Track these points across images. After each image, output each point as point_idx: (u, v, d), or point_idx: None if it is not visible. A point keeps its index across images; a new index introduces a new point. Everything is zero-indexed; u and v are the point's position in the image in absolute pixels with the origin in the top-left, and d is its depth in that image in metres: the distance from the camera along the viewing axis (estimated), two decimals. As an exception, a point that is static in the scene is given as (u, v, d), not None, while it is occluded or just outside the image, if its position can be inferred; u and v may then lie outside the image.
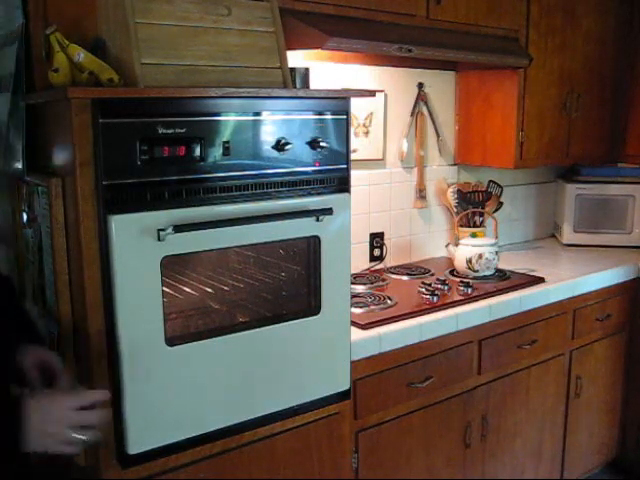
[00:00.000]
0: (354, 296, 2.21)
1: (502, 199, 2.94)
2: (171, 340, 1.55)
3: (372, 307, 2.18)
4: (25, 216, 1.77)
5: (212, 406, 1.63)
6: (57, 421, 1.08)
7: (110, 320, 1.46)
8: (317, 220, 1.72)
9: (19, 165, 1.74)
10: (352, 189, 1.82)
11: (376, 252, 2.72)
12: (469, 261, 2.57)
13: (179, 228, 1.47)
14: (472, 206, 2.82)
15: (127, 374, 1.48)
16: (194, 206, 1.53)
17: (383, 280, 2.53)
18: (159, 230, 1.46)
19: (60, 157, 1.53)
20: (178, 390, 1.56)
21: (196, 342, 1.60)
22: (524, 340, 2.46)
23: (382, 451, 2.09)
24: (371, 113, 2.61)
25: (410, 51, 2.13)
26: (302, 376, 1.78)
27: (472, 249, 2.59)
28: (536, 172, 3.32)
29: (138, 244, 1.45)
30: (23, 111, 1.70)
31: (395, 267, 2.72)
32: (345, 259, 1.82)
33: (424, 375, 2.14)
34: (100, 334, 1.47)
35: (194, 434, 1.61)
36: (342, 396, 1.88)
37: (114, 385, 1.49)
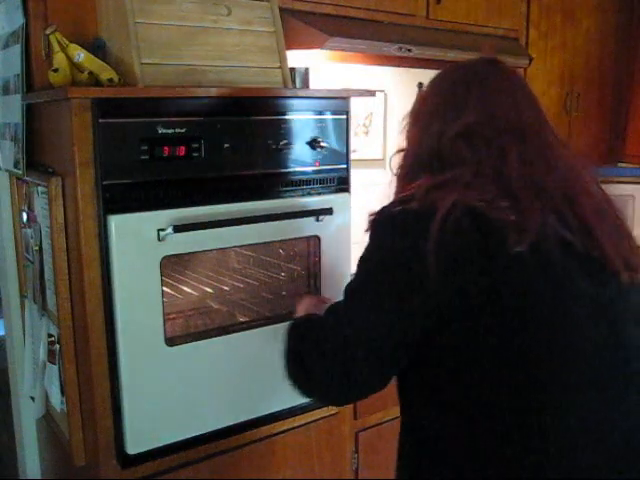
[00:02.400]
0: (354, 296, 2.21)
1: (502, 199, 2.93)
2: (171, 340, 1.55)
3: (372, 307, 2.17)
4: (25, 216, 1.77)
5: (212, 406, 1.63)
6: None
7: (110, 320, 1.46)
8: (317, 220, 1.72)
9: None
10: (352, 189, 1.82)
11: (376, 252, 2.71)
12: (469, 261, 2.56)
13: (179, 228, 1.47)
14: (472, 206, 2.81)
15: (127, 374, 1.48)
16: (194, 206, 1.53)
17: (383, 280, 2.52)
18: (159, 230, 1.46)
19: (60, 157, 1.53)
20: (178, 390, 1.56)
21: (196, 342, 1.60)
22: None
23: (382, 451, 2.09)
24: (371, 113, 2.61)
25: (410, 51, 2.13)
26: (302, 376, 1.78)
27: (472, 249, 2.58)
28: (536, 172, 3.31)
29: (138, 244, 1.45)
30: (23, 111, 1.70)
31: (395, 267, 2.72)
32: (345, 259, 1.82)
33: (424, 375, 2.14)
34: (100, 334, 1.47)
35: (194, 434, 1.61)
36: (342, 396, 1.88)
37: (114, 385, 1.49)
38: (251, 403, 1.70)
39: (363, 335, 1.01)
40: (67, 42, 1.52)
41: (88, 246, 1.44)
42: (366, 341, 1.00)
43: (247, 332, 1.67)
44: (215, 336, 1.63)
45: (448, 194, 0.99)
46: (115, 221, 1.42)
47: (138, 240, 1.45)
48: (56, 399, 1.69)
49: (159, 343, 1.52)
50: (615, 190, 3.39)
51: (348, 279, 1.84)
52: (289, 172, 1.69)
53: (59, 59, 1.51)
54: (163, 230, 1.46)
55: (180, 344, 1.56)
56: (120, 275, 1.44)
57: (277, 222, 1.65)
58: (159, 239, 1.46)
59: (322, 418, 1.86)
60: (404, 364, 1.06)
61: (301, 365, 1.10)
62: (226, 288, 1.86)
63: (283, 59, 1.73)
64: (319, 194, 1.74)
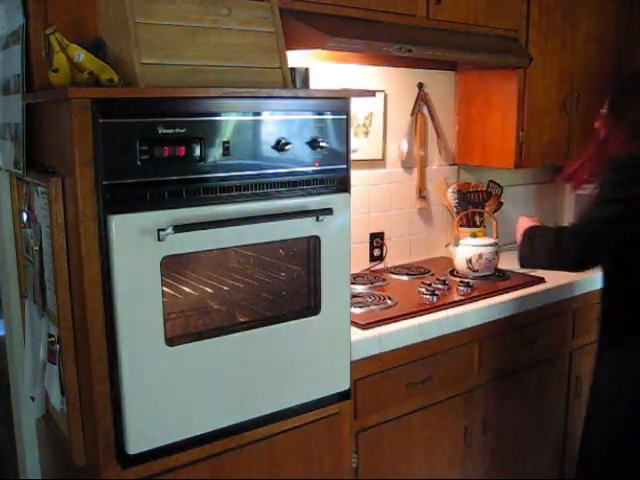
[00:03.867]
0: (354, 296, 2.21)
1: (502, 199, 2.93)
2: (171, 340, 1.55)
3: (372, 307, 2.18)
4: (25, 216, 1.77)
5: (212, 406, 1.63)
6: None
7: (110, 320, 1.47)
8: (317, 220, 1.72)
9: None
10: (352, 189, 1.82)
11: (376, 252, 2.72)
12: (469, 261, 2.57)
13: (179, 228, 1.47)
14: (472, 206, 2.82)
15: (127, 374, 1.48)
16: (194, 206, 1.53)
17: (383, 280, 2.53)
18: (159, 230, 1.46)
19: (60, 157, 1.53)
20: (178, 390, 1.56)
21: (196, 342, 1.60)
22: (524, 340, 2.46)
23: (382, 451, 2.09)
24: (371, 113, 2.61)
25: (410, 51, 2.13)
26: (302, 376, 1.78)
27: (472, 249, 2.59)
28: (536, 172, 3.32)
29: (138, 244, 1.45)
30: (23, 111, 1.70)
31: (395, 267, 2.72)
32: (345, 259, 1.82)
33: (424, 375, 2.14)
34: (100, 334, 1.48)
35: (194, 434, 1.61)
36: (342, 396, 1.88)
37: (114, 385, 1.49)
38: (251, 403, 1.70)
39: (585, 232, 1.83)
40: (67, 42, 1.52)
41: (88, 246, 1.44)
42: (587, 235, 1.82)
43: (247, 332, 1.67)
44: (215, 336, 1.63)
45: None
46: (115, 221, 1.42)
47: (138, 240, 1.45)
48: (56, 399, 1.69)
49: (159, 343, 1.52)
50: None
51: (348, 279, 1.85)
52: (289, 172, 1.69)
53: (59, 59, 1.51)
54: (163, 230, 1.46)
55: (180, 344, 1.56)
56: (120, 275, 1.44)
57: (277, 222, 1.65)
58: (159, 239, 1.46)
59: (322, 418, 1.86)
60: (609, 254, 1.87)
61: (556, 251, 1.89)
62: (226, 288, 1.86)
63: (283, 59, 1.73)
64: (319, 194, 1.74)
